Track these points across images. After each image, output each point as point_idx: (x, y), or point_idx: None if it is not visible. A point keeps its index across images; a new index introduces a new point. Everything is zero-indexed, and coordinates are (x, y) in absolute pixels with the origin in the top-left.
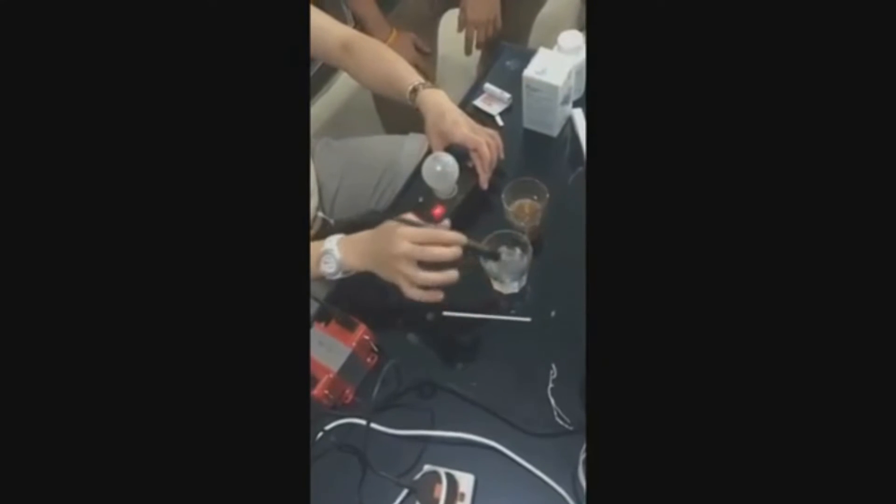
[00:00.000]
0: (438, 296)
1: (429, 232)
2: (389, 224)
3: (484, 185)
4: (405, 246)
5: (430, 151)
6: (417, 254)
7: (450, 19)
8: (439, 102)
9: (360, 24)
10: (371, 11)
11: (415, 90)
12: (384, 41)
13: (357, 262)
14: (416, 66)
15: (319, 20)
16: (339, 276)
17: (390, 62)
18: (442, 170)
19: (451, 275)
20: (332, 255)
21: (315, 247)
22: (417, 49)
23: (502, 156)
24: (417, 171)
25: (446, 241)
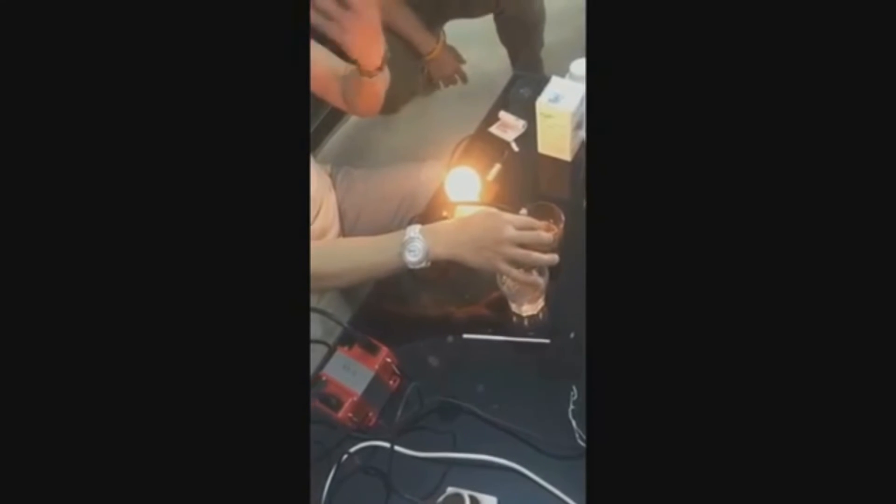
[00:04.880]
0: (539, 280)
1: (526, 219)
2: (487, 211)
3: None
4: (511, 231)
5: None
6: (526, 237)
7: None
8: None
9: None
10: (414, 27)
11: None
12: (429, 53)
13: (445, 251)
14: (458, 74)
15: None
16: (421, 265)
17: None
18: None
19: (554, 256)
20: (418, 244)
21: (390, 237)
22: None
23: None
24: (435, 198)
25: (541, 227)
